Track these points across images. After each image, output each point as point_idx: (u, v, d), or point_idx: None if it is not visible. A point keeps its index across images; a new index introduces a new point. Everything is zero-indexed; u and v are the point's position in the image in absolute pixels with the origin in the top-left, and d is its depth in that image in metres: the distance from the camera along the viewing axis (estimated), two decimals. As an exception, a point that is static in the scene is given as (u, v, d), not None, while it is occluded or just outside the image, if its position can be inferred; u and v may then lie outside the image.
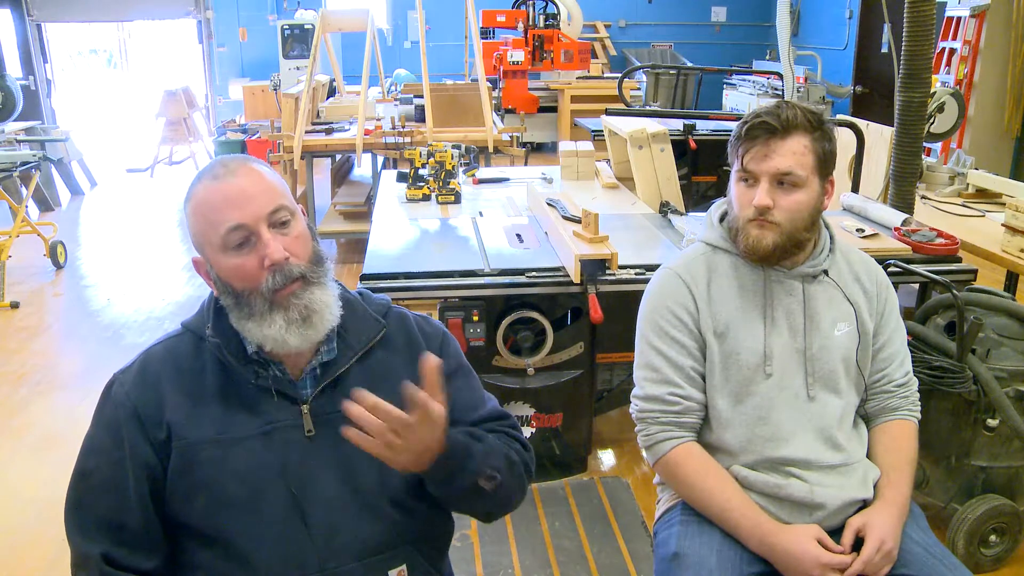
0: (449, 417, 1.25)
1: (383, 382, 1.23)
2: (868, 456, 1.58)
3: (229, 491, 1.16)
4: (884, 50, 8.00)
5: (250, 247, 1.15)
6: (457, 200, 3.48)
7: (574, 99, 8.26)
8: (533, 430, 2.75)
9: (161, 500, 1.18)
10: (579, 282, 2.46)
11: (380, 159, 5.56)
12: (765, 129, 1.48)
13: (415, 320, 1.35)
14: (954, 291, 2.18)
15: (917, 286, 2.73)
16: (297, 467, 1.18)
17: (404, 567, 1.23)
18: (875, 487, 1.53)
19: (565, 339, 2.68)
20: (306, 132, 5.24)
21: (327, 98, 6.51)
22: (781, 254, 1.52)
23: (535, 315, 2.59)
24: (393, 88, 7.10)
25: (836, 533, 1.47)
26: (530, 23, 8.32)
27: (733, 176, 1.56)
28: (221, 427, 1.17)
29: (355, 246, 5.52)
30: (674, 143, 3.60)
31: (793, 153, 1.47)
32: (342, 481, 1.20)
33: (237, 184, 1.16)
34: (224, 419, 1.18)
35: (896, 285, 1.74)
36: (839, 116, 4.40)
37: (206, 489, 1.16)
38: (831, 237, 1.61)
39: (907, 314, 2.17)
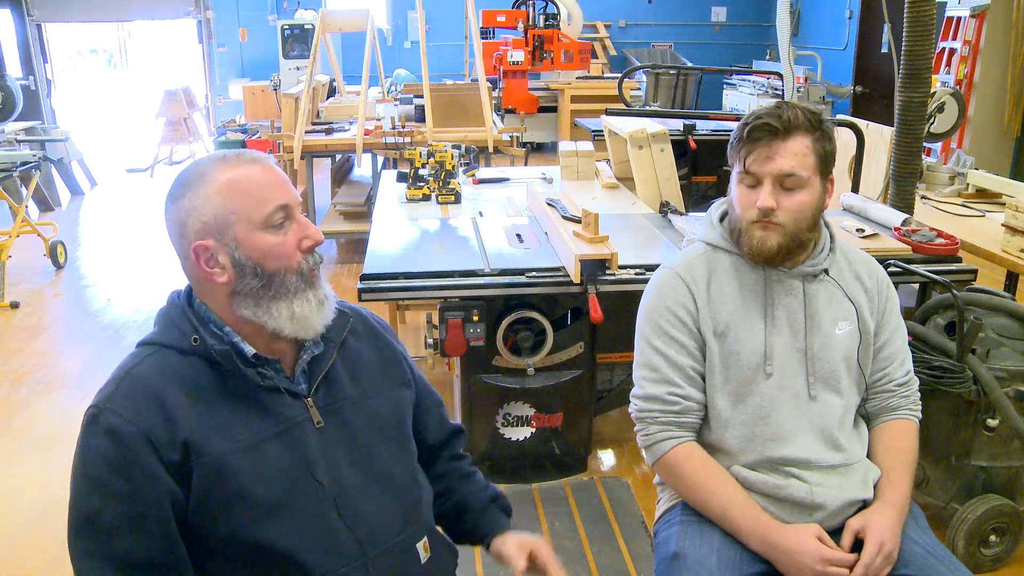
0: (420, 402, 1.42)
1: (361, 369, 1.31)
2: (868, 456, 1.58)
3: (263, 496, 1.14)
4: (884, 50, 8.00)
5: (288, 227, 1.19)
6: (457, 200, 3.48)
7: (574, 99, 8.26)
8: (533, 430, 2.75)
9: (184, 524, 1.13)
10: (579, 282, 2.45)
11: (380, 159, 5.56)
12: (767, 130, 1.47)
13: (364, 311, 1.42)
14: (954, 291, 2.18)
15: (917, 286, 2.73)
16: (319, 459, 1.20)
17: (426, 539, 1.29)
18: (875, 487, 1.53)
19: (565, 339, 2.68)
20: (306, 132, 5.25)
21: (327, 98, 6.51)
22: (784, 255, 1.52)
23: (535, 315, 2.59)
24: (393, 88, 7.10)
25: (836, 534, 1.47)
26: (530, 23, 8.32)
27: (734, 177, 1.56)
28: (239, 434, 1.15)
29: (355, 246, 5.52)
30: (674, 143, 3.60)
31: (795, 154, 1.47)
32: (359, 466, 1.23)
33: (271, 170, 1.21)
34: (239, 425, 1.15)
35: (896, 285, 1.73)
36: (839, 116, 4.40)
37: (240, 500, 1.13)
38: (831, 236, 1.61)
39: (907, 314, 2.17)
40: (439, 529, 1.40)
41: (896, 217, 2.82)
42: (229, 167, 1.18)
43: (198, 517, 1.13)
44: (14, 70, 8.31)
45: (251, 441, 1.15)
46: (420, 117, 5.49)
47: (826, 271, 1.58)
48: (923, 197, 3.56)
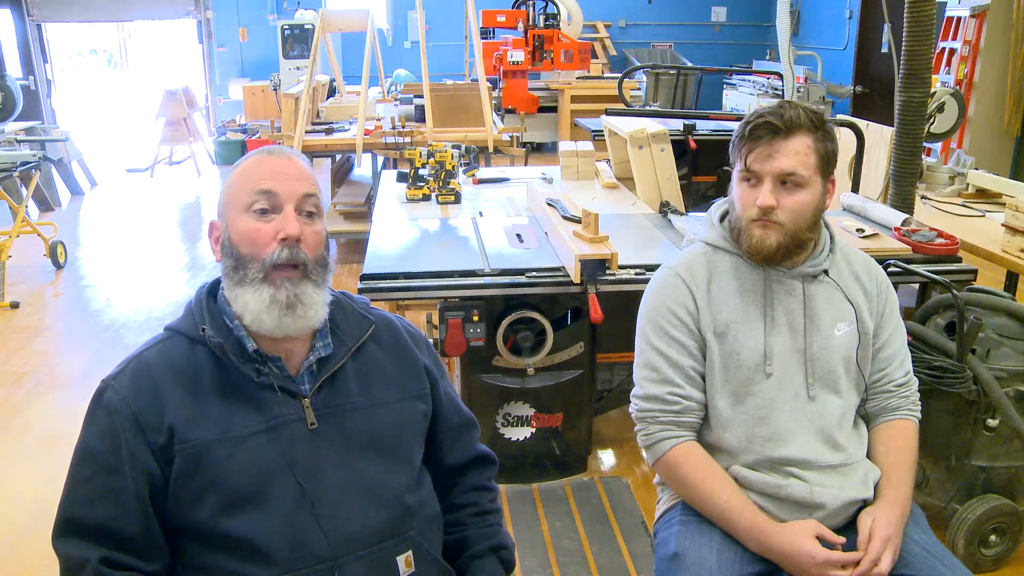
0: (441, 419, 1.39)
1: (375, 376, 1.30)
2: (868, 456, 1.58)
3: (238, 488, 1.16)
4: (884, 50, 8.00)
5: (270, 217, 1.21)
6: (457, 200, 3.48)
7: (574, 99, 8.26)
8: (533, 430, 2.75)
9: (162, 506, 1.17)
10: (579, 282, 2.46)
11: (380, 159, 5.55)
12: (768, 129, 1.48)
13: (398, 321, 1.41)
14: (954, 291, 2.18)
15: (917, 286, 2.73)
16: (303, 460, 1.20)
17: (410, 553, 1.26)
18: (875, 487, 1.53)
19: (565, 339, 2.68)
20: (306, 132, 5.24)
21: (327, 98, 6.51)
22: (784, 254, 1.53)
23: (535, 315, 2.59)
24: (393, 88, 7.09)
25: (836, 533, 1.47)
26: (530, 23, 8.32)
27: (735, 176, 1.56)
28: (225, 425, 1.18)
29: (355, 246, 5.52)
30: (674, 143, 3.60)
31: (796, 153, 1.47)
32: (347, 471, 1.23)
33: (284, 163, 1.24)
34: (227, 417, 1.18)
35: (896, 285, 1.74)
36: (839, 116, 4.40)
37: (215, 489, 1.16)
38: (831, 237, 1.61)
39: (907, 314, 2.17)
40: (435, 549, 1.35)
41: (896, 217, 2.83)
42: (257, 155, 1.25)
43: (175, 500, 1.17)
44: (14, 70, 8.31)
45: (237, 434, 1.18)
46: (420, 117, 5.49)
47: (826, 272, 1.58)
48: (923, 197, 3.56)
